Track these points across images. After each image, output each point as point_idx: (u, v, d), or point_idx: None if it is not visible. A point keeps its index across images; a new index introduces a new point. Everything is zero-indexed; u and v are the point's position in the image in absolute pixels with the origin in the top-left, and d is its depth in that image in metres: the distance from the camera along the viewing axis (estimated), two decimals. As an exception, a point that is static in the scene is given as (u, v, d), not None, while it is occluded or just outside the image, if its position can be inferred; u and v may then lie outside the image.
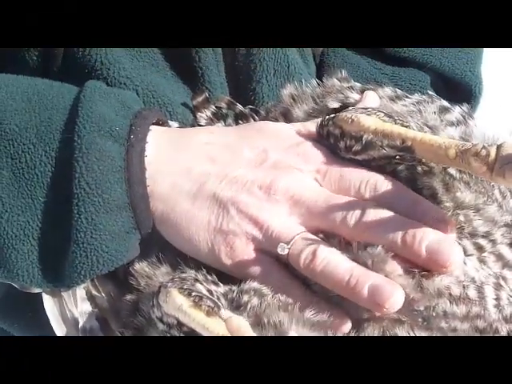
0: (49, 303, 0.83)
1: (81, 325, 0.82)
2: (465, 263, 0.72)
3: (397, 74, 1.04)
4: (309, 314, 0.72)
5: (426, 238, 0.69)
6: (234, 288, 0.73)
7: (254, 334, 0.67)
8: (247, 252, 0.74)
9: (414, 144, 0.72)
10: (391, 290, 0.68)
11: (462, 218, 0.73)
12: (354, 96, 0.84)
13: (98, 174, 0.74)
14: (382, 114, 0.74)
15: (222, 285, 0.74)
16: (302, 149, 0.76)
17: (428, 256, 0.69)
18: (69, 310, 0.82)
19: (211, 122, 0.89)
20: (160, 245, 0.79)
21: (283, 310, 0.72)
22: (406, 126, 0.74)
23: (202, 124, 0.88)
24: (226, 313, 0.68)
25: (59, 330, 0.83)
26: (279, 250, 0.72)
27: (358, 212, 0.71)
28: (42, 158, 0.76)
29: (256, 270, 0.74)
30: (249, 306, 0.71)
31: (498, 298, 0.71)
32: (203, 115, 0.89)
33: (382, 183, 0.73)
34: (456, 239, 0.72)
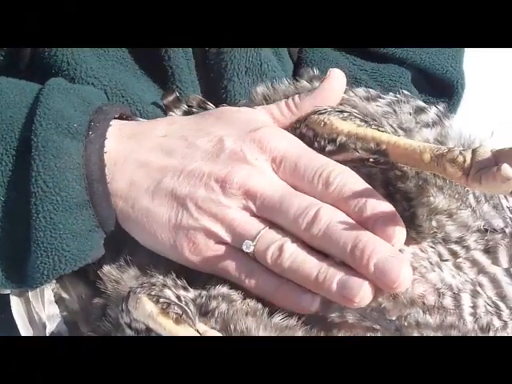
0: (16, 306, 0.81)
1: (48, 329, 0.81)
2: (441, 270, 0.71)
3: (376, 70, 1.02)
4: (277, 318, 0.70)
5: (374, 256, 0.67)
6: (204, 293, 0.72)
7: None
8: (209, 246, 0.73)
9: (388, 148, 0.70)
10: (360, 283, 0.67)
11: (434, 223, 0.72)
12: None
13: (56, 171, 0.73)
14: (357, 119, 0.73)
15: (191, 290, 0.72)
16: (259, 135, 0.74)
17: (376, 275, 0.67)
18: (36, 313, 0.81)
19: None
20: (129, 247, 0.78)
21: (251, 316, 0.70)
22: (381, 129, 0.72)
23: None
24: (202, 327, 0.68)
25: (26, 333, 0.81)
26: (244, 248, 0.71)
27: (310, 215, 0.70)
28: (3, 157, 0.75)
29: (221, 262, 0.72)
30: (217, 312, 0.70)
31: (474, 306, 0.70)
32: (174, 115, 0.87)
33: (335, 176, 0.71)
34: (430, 244, 0.71)
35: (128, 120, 0.81)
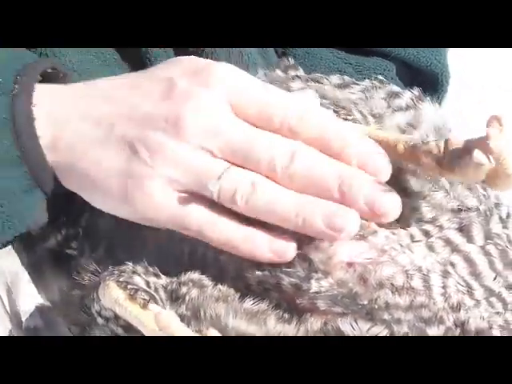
0: None
1: (24, 323, 0.80)
2: (411, 251, 0.70)
3: (361, 63, 1.02)
4: (248, 304, 0.69)
5: (362, 188, 0.65)
6: (173, 280, 0.71)
7: (185, 330, 0.65)
8: (166, 195, 0.67)
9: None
10: (345, 216, 0.65)
11: (408, 205, 0.71)
12: (296, 86, 0.80)
13: None
14: None
15: (163, 277, 0.71)
16: (215, 72, 0.69)
17: (365, 204, 0.65)
18: (11, 308, 0.80)
19: None
20: (106, 241, 0.78)
21: (223, 301, 0.69)
22: (351, 118, 0.72)
23: None
24: (155, 307, 0.67)
25: (2, 327, 0.80)
26: (210, 187, 0.65)
27: (289, 151, 0.65)
28: None
29: (180, 212, 0.67)
30: (187, 298, 0.69)
31: (444, 286, 0.69)
32: None
33: (309, 112, 0.67)
34: (404, 226, 0.70)
35: (60, 72, 0.78)
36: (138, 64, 0.88)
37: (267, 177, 0.66)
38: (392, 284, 0.68)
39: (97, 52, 0.87)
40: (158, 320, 0.64)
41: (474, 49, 1.06)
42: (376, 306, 0.67)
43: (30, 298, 0.80)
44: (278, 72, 0.82)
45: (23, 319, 0.80)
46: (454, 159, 0.64)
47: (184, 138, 0.67)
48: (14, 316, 0.80)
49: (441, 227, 0.71)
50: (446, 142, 0.64)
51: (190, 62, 0.72)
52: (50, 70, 0.76)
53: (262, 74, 0.82)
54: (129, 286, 0.67)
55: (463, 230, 0.72)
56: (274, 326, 0.68)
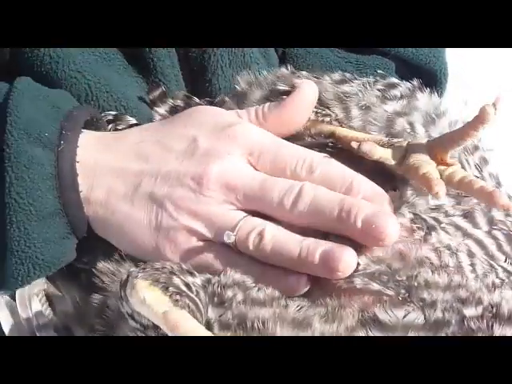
0: (3, 313, 0.81)
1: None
2: (437, 232, 0.72)
3: (361, 61, 1.03)
4: (292, 308, 0.70)
5: (361, 212, 0.69)
6: (214, 280, 0.70)
7: (196, 330, 0.64)
8: (191, 244, 0.73)
9: (337, 139, 0.76)
10: (341, 251, 0.69)
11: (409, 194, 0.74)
12: (300, 81, 0.82)
13: (29, 182, 0.74)
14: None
15: (197, 274, 0.71)
16: (233, 131, 0.75)
17: (364, 230, 0.69)
18: (24, 321, 0.81)
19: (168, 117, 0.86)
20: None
21: (268, 306, 0.69)
22: (326, 119, 0.76)
23: (157, 120, 0.86)
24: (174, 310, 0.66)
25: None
26: (225, 239, 0.71)
27: (294, 193, 0.71)
28: None
29: (204, 259, 0.73)
30: (234, 303, 0.69)
31: (472, 264, 0.70)
32: (160, 110, 0.87)
33: (318, 162, 0.73)
34: (409, 213, 0.72)
35: (99, 122, 0.82)
36: (142, 65, 0.89)
37: (279, 215, 0.72)
38: (431, 262, 0.69)
39: (101, 53, 0.87)
40: (167, 320, 0.64)
41: (473, 49, 1.07)
42: (416, 284, 0.68)
43: (42, 311, 0.81)
44: (283, 70, 0.84)
45: (36, 333, 0.80)
46: (410, 163, 0.68)
47: (206, 194, 0.73)
48: (28, 329, 0.81)
49: (447, 213, 0.73)
50: (408, 143, 0.68)
51: (212, 118, 0.78)
52: (88, 117, 0.79)
53: (266, 73, 0.84)
54: (170, 289, 0.67)
55: (467, 216, 0.73)
56: (319, 327, 0.69)
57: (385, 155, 0.70)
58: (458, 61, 1.10)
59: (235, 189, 0.73)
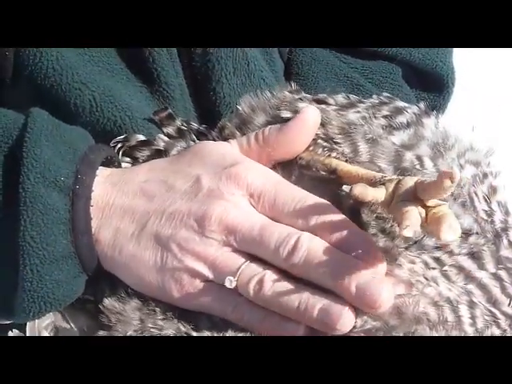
0: None
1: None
2: (437, 284, 0.71)
3: (367, 67, 1.03)
4: None
5: (355, 279, 0.69)
6: None
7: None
8: (195, 285, 0.75)
9: (338, 172, 0.76)
10: (340, 310, 0.70)
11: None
12: (303, 106, 0.81)
13: (43, 227, 0.74)
14: (318, 146, 0.78)
15: None
16: (235, 171, 0.76)
17: (357, 296, 0.69)
18: None
19: (176, 138, 0.87)
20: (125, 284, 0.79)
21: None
22: (332, 154, 0.77)
23: (165, 140, 0.86)
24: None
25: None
26: (227, 284, 0.73)
27: (290, 244, 0.72)
28: None
29: (207, 299, 0.75)
30: None
31: (473, 317, 0.70)
32: (168, 129, 0.87)
33: (314, 208, 0.73)
34: (415, 255, 0.72)
35: (113, 159, 0.83)
36: (145, 74, 0.89)
37: (276, 264, 0.73)
38: (428, 319, 0.69)
39: (104, 63, 0.87)
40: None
41: (473, 49, 1.06)
42: None
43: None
44: (287, 93, 0.84)
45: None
46: (399, 202, 0.67)
47: (209, 235, 0.74)
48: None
49: (451, 253, 0.72)
50: (398, 181, 0.67)
51: (215, 157, 0.78)
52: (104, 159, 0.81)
53: (270, 95, 0.83)
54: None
55: (474, 256, 0.73)
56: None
57: (376, 195, 0.69)
58: (457, 61, 1.09)
59: (235, 232, 0.74)
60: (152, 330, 0.75)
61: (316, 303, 0.70)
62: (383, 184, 0.69)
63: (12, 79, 0.86)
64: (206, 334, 0.75)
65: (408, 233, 0.64)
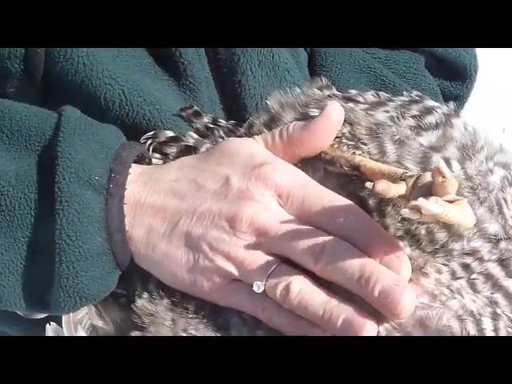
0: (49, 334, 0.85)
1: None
2: (462, 296, 0.72)
3: (390, 57, 1.03)
4: None
5: (379, 284, 0.70)
6: None
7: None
8: (226, 285, 0.77)
9: (361, 169, 0.76)
10: (363, 322, 0.71)
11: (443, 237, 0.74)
12: None
13: (79, 226, 0.76)
14: (343, 144, 0.78)
15: None
16: (264, 172, 0.77)
17: (380, 301, 0.70)
18: None
19: (204, 135, 0.88)
20: (156, 279, 0.82)
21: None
22: (357, 152, 0.77)
23: (194, 138, 0.88)
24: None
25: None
26: (255, 289, 0.74)
27: (318, 248, 0.73)
28: (21, 201, 0.78)
29: (237, 299, 0.77)
30: None
31: (495, 329, 0.71)
32: (197, 125, 0.89)
33: (341, 210, 0.74)
34: (444, 262, 0.73)
35: (144, 156, 0.85)
36: (172, 68, 0.90)
37: (305, 267, 0.74)
38: (451, 332, 0.70)
39: (131, 58, 0.89)
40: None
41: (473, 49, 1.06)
42: None
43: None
44: (316, 90, 0.85)
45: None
46: (418, 197, 0.66)
47: (239, 236, 0.76)
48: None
49: (481, 259, 0.73)
50: (418, 177, 0.68)
51: (244, 156, 0.80)
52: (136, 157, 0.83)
53: (299, 91, 0.84)
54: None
55: (503, 263, 0.73)
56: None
57: (398, 191, 0.69)
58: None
59: (265, 233, 0.75)
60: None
61: (340, 313, 0.71)
62: (404, 180, 0.69)
63: (43, 76, 0.87)
64: (236, 331, 0.76)
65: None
